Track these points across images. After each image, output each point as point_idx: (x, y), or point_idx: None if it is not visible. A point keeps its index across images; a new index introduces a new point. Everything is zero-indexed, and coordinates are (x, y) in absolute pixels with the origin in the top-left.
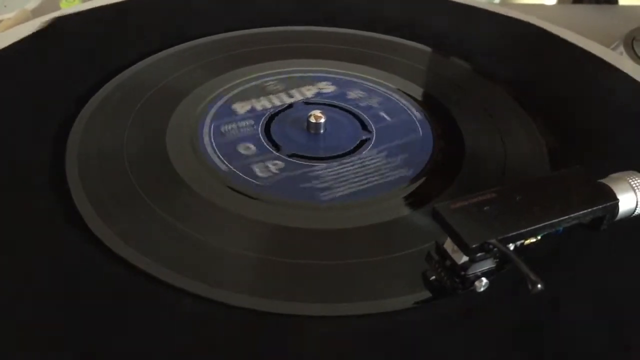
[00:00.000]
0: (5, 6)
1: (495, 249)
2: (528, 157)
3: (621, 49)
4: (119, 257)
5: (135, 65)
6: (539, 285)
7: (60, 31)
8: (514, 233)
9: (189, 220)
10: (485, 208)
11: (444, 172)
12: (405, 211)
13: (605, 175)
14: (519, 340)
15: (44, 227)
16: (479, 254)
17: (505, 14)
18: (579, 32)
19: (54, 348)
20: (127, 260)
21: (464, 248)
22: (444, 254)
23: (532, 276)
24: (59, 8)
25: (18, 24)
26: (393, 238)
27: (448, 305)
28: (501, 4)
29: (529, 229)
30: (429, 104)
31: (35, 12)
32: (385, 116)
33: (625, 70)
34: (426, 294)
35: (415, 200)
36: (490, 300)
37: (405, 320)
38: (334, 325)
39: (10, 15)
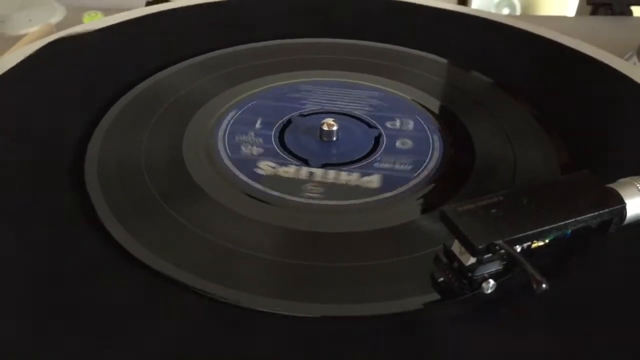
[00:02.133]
0: (30, 20)
1: (502, 251)
2: (540, 168)
3: (634, 59)
4: (139, 261)
5: (152, 77)
6: (544, 285)
7: (80, 45)
8: (521, 235)
9: (208, 226)
10: (492, 211)
11: (453, 180)
12: (414, 215)
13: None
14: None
15: (66, 232)
16: (486, 256)
17: (519, 26)
18: (593, 43)
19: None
20: (146, 263)
21: (471, 249)
22: (451, 256)
23: (537, 276)
24: (81, 22)
25: (42, 37)
26: (403, 241)
27: (456, 307)
28: (521, 16)
29: (535, 231)
30: (441, 113)
31: (59, 26)
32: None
33: (638, 81)
34: (435, 296)
35: (424, 205)
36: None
37: (414, 321)
38: (344, 326)
39: (35, 29)
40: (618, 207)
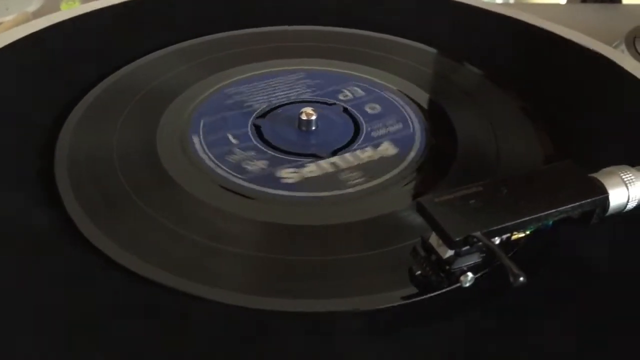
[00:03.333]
0: (7, 9)
1: (480, 243)
2: (524, 156)
3: (623, 47)
4: (110, 259)
5: (123, 68)
6: (521, 279)
7: (50, 36)
8: (499, 226)
9: (181, 220)
10: (470, 201)
11: (435, 170)
12: (393, 207)
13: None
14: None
15: (35, 231)
16: (464, 248)
17: (505, 13)
18: (582, 31)
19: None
20: (118, 262)
21: (448, 241)
22: (429, 249)
23: (514, 269)
24: (59, 10)
25: (18, 25)
26: (380, 234)
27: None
28: (512, 4)
29: (514, 222)
30: (424, 102)
31: (36, 15)
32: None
33: (626, 68)
34: (412, 290)
35: (404, 196)
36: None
37: (391, 316)
38: (319, 321)
39: (12, 17)
40: (600, 197)
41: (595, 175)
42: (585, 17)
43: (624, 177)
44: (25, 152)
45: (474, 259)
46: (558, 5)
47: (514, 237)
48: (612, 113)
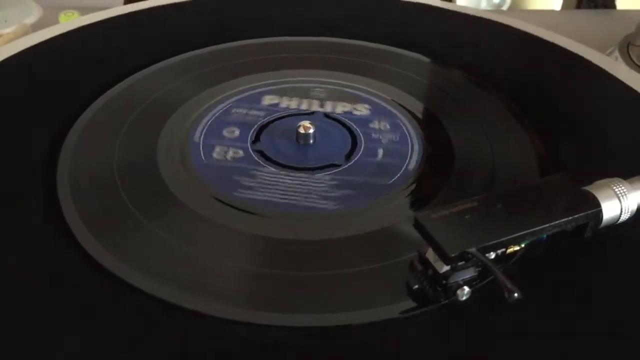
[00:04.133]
0: (5, 21)
1: (475, 258)
2: (518, 165)
3: (617, 53)
4: (109, 272)
5: (123, 81)
6: (516, 294)
7: (53, 48)
8: (495, 242)
9: (180, 233)
10: (466, 217)
11: (432, 182)
12: (392, 221)
13: (594, 181)
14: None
15: (36, 243)
16: (459, 263)
17: (498, 20)
18: (577, 37)
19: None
20: (116, 274)
21: (444, 257)
22: (426, 263)
23: (509, 285)
24: (57, 22)
25: (17, 38)
26: (380, 247)
27: (432, 315)
28: (506, 11)
29: (509, 237)
30: (420, 113)
31: (35, 27)
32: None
33: (619, 77)
34: (410, 304)
35: (402, 209)
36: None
37: (390, 329)
38: (318, 336)
39: (11, 29)
40: (594, 210)
41: (588, 188)
42: (580, 23)
43: (616, 190)
44: (27, 165)
45: (471, 272)
46: (553, 11)
47: (509, 250)
48: (605, 122)
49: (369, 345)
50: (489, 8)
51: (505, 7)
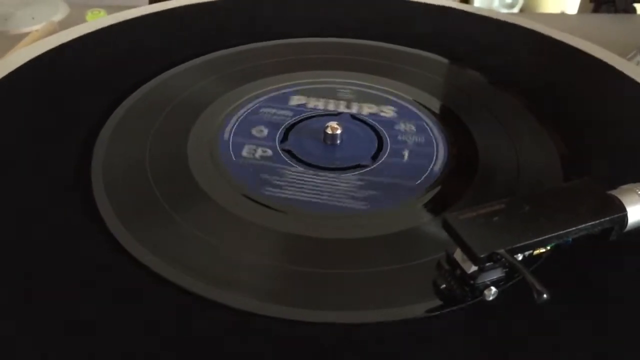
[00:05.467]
0: (33, 18)
1: (504, 259)
2: (542, 168)
3: (638, 58)
4: (140, 263)
5: (158, 77)
6: (545, 295)
7: (82, 46)
8: (522, 244)
9: (209, 229)
10: (494, 219)
11: (457, 183)
12: (418, 221)
13: (618, 185)
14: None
15: (70, 234)
16: (487, 264)
17: (520, 23)
18: (597, 42)
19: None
20: (148, 267)
21: (473, 258)
22: (454, 263)
23: (538, 286)
24: (84, 20)
25: (45, 36)
26: (406, 248)
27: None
28: (522, 14)
29: (536, 239)
30: (444, 114)
31: (62, 24)
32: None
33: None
34: (437, 302)
35: (428, 210)
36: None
37: (417, 328)
38: (345, 332)
39: (38, 27)
40: (619, 214)
41: (613, 192)
42: (598, 27)
43: None
44: (62, 163)
45: (498, 273)
46: (571, 15)
47: (536, 252)
48: (630, 126)
49: (392, 343)
50: (501, 7)
51: (517, 7)
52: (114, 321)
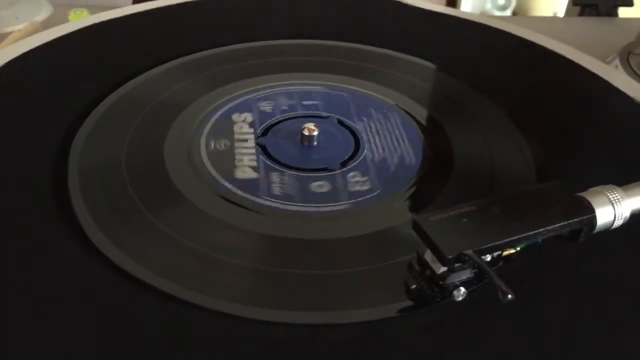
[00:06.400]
0: (16, 18)
1: (472, 260)
2: (517, 171)
3: (617, 62)
4: (117, 267)
5: (132, 80)
6: (509, 296)
7: (63, 46)
8: (490, 245)
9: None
10: (464, 220)
11: (432, 186)
12: (391, 223)
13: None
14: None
15: (45, 237)
16: (456, 265)
17: (500, 27)
18: (579, 44)
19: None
20: (127, 271)
21: (441, 259)
22: (424, 264)
23: (503, 287)
24: (67, 21)
25: (27, 36)
26: (377, 249)
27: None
28: (508, 17)
29: (505, 240)
30: (421, 117)
31: (45, 24)
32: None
33: (618, 85)
34: (407, 303)
35: (401, 213)
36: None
37: (388, 328)
38: (317, 333)
39: (21, 27)
40: (588, 216)
41: (583, 194)
42: (582, 30)
43: (610, 196)
44: (36, 164)
45: (467, 274)
46: (556, 18)
47: (505, 253)
48: (603, 130)
49: (365, 343)
50: (494, 9)
51: (510, 8)
52: (88, 324)
